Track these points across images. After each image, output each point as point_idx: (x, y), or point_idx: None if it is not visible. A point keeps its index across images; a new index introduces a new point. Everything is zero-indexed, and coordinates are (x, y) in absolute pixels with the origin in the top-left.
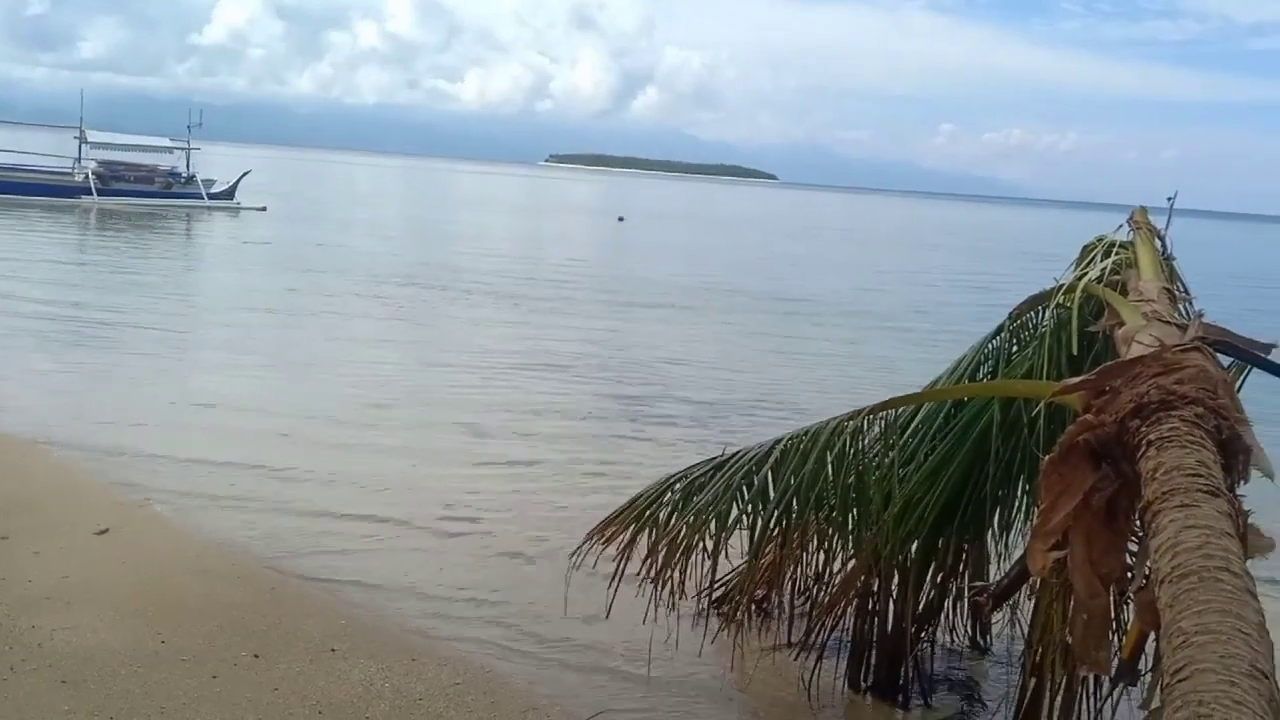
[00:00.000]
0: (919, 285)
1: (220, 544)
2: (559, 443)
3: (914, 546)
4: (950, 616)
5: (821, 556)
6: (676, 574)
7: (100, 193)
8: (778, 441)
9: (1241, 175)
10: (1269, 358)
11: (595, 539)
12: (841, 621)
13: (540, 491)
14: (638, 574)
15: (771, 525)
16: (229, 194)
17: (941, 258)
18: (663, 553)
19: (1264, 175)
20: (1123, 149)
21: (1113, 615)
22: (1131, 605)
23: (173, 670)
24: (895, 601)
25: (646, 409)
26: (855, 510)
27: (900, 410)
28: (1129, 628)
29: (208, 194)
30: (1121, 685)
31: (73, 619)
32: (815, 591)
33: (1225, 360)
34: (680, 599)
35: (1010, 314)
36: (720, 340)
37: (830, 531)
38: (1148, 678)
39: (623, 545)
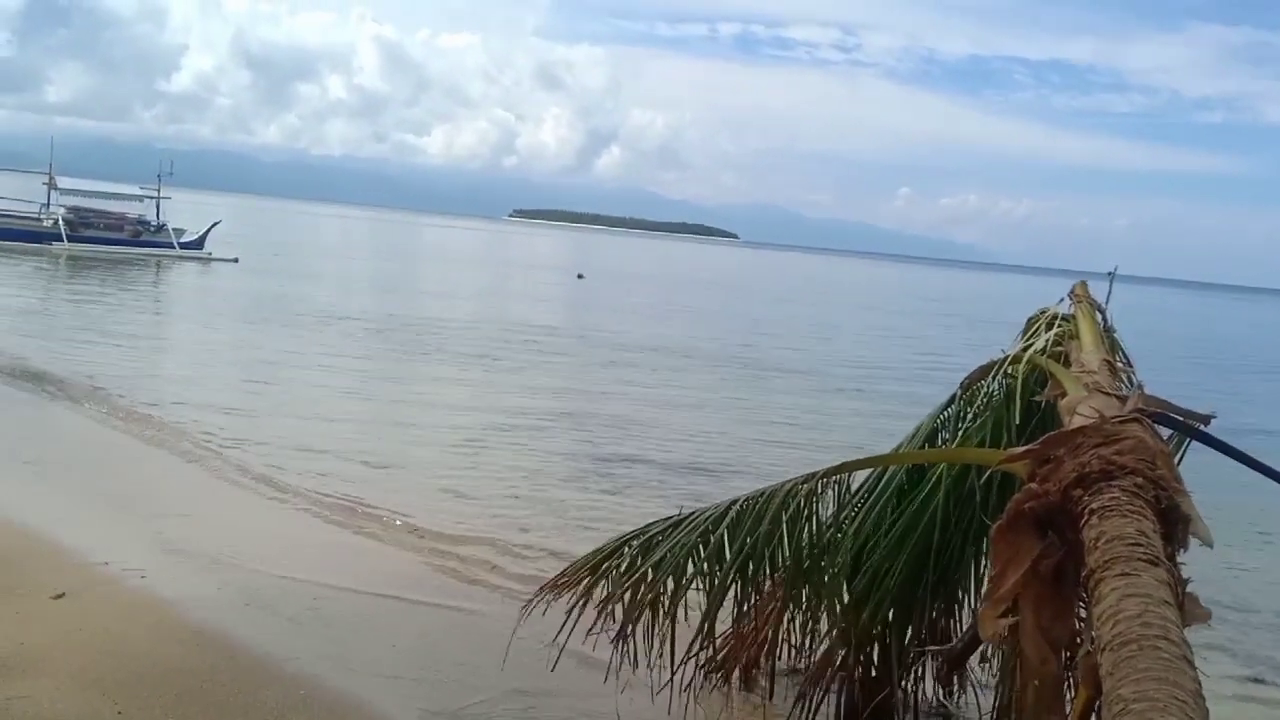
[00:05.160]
0: (884, 349)
1: (178, 610)
2: (534, 507)
3: (890, 616)
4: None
5: (798, 624)
6: (639, 635)
7: (70, 239)
8: (734, 502)
9: (1190, 244)
10: (1206, 430)
11: (548, 593)
12: (826, 693)
13: (510, 557)
14: (588, 634)
15: (728, 584)
16: (199, 244)
17: (903, 321)
18: (618, 611)
19: (1211, 244)
20: (1076, 216)
21: (1064, 681)
22: (1078, 671)
23: None
24: (875, 669)
25: (620, 471)
26: (809, 575)
27: (863, 478)
28: (1076, 694)
29: (178, 243)
30: None
31: (28, 687)
32: (798, 656)
33: (1167, 432)
34: (646, 660)
35: (962, 383)
36: (689, 404)
37: (802, 600)
38: None
39: (576, 598)
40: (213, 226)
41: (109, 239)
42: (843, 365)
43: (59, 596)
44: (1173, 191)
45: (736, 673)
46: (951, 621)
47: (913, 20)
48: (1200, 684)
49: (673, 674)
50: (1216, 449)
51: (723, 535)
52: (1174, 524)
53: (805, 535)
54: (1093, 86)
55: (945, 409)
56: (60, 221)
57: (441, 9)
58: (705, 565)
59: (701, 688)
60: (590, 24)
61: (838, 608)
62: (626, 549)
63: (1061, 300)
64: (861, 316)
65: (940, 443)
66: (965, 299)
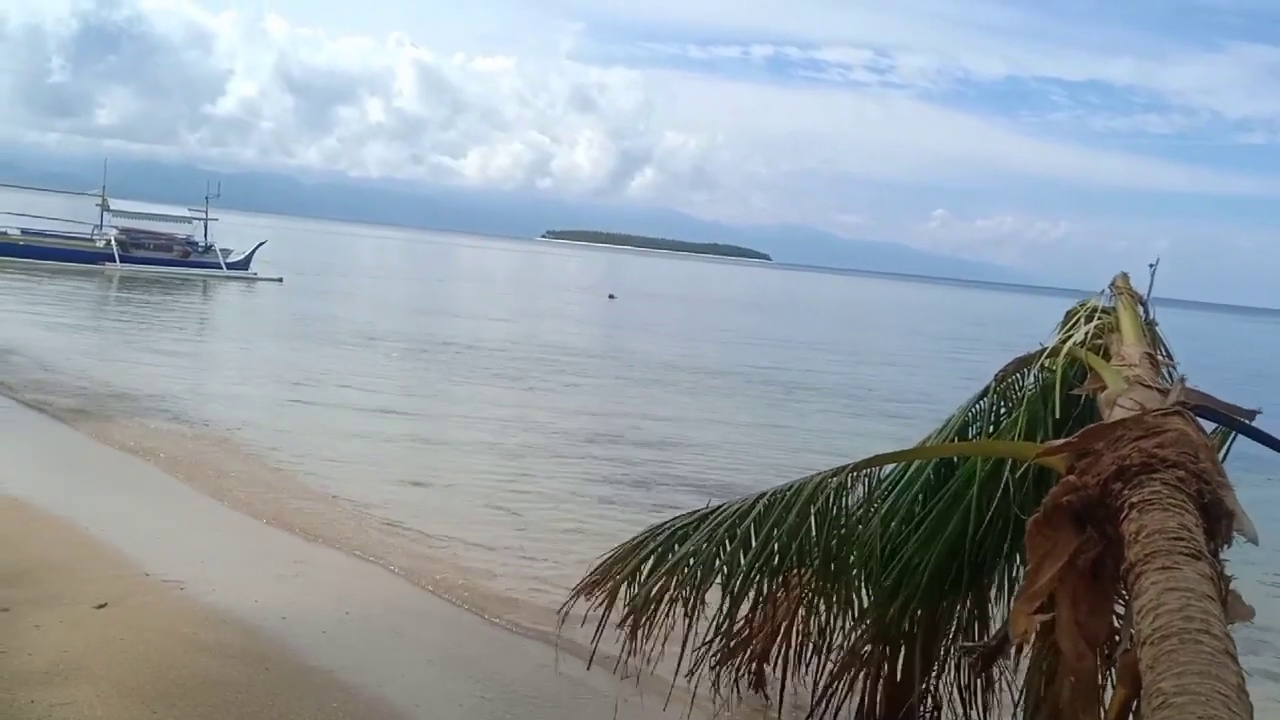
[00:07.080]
0: (921, 371)
1: (216, 622)
2: (572, 527)
3: (919, 614)
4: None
5: (822, 618)
6: (663, 624)
7: (122, 259)
8: (762, 495)
9: (1231, 266)
10: (1252, 424)
11: (581, 593)
12: (852, 689)
13: (547, 578)
14: (617, 627)
15: (754, 576)
16: (245, 264)
17: (939, 344)
18: (642, 603)
19: (1253, 267)
20: (1114, 238)
21: (1101, 679)
22: (1115, 669)
23: None
24: (901, 667)
25: (660, 492)
26: (837, 569)
27: (892, 469)
28: (1114, 691)
29: (225, 263)
30: None
31: (71, 695)
32: (820, 654)
33: (1211, 426)
34: (662, 652)
35: (996, 375)
36: (725, 426)
37: (829, 594)
38: None
39: (604, 597)
40: (258, 247)
41: (159, 259)
42: (880, 387)
43: (102, 606)
44: (1213, 213)
45: (754, 667)
46: (984, 620)
47: (947, 41)
48: (1244, 678)
49: (696, 664)
50: (1263, 443)
51: (749, 528)
52: (1217, 519)
53: (834, 529)
54: (1131, 107)
55: (977, 402)
56: (113, 242)
57: (477, 33)
58: (731, 558)
59: (722, 680)
60: (624, 47)
61: (867, 600)
62: (652, 542)
63: (1102, 292)
64: (896, 339)
65: (972, 437)
66: (1002, 321)
